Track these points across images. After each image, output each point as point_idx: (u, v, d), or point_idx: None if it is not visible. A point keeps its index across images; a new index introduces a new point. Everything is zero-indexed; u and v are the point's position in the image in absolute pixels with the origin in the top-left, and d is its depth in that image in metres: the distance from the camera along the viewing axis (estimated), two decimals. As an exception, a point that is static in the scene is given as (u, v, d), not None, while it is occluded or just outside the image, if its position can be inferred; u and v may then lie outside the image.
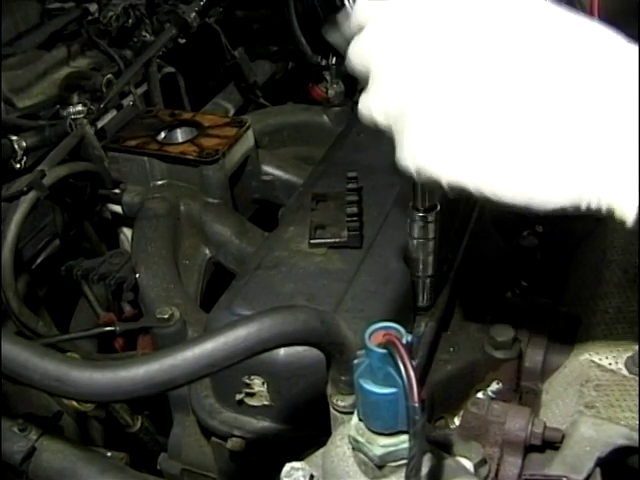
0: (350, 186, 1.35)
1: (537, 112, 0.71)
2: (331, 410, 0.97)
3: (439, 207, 1.13)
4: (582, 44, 0.72)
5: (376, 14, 0.82)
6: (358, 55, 0.83)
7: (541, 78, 0.71)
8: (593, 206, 0.70)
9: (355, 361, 0.81)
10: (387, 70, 0.79)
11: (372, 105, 0.81)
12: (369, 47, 0.82)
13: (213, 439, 1.24)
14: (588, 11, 1.88)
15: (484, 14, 0.75)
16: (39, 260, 1.82)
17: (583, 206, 0.71)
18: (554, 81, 0.71)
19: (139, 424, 1.52)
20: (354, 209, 1.29)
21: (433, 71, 0.75)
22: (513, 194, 0.73)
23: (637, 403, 1.01)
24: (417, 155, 0.77)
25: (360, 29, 0.84)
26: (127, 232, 1.79)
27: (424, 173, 0.77)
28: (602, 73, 0.70)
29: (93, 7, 2.00)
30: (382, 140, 0.84)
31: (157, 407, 1.52)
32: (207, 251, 1.68)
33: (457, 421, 1.17)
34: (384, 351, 0.77)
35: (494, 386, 1.17)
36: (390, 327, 0.79)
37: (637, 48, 0.72)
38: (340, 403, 0.94)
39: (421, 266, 1.20)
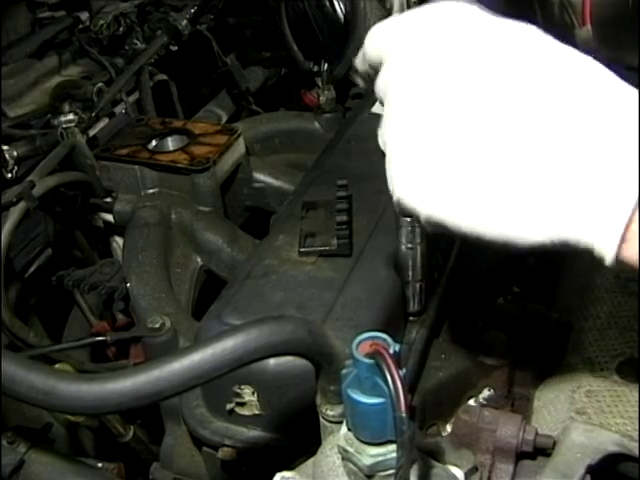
0: (340, 194, 1.35)
1: (517, 152, 0.70)
2: (321, 419, 0.96)
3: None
4: (568, 82, 0.72)
5: (390, 54, 0.83)
6: (377, 89, 0.85)
7: (522, 118, 0.71)
8: (572, 245, 0.70)
9: (343, 371, 0.81)
10: (389, 104, 0.80)
11: (380, 130, 0.83)
12: (381, 83, 0.83)
13: (204, 448, 1.24)
14: (580, 19, 1.89)
15: (485, 55, 0.75)
16: (32, 269, 1.81)
17: (562, 244, 0.70)
18: (535, 121, 0.70)
19: (131, 433, 1.51)
20: (344, 217, 1.29)
21: (422, 108, 0.76)
22: (491, 232, 0.72)
23: (628, 409, 1.00)
24: (396, 187, 0.78)
25: (377, 62, 0.85)
26: (119, 240, 1.79)
27: (404, 204, 0.78)
28: (585, 113, 0.70)
29: (84, 15, 2.01)
30: (372, 148, 0.84)
31: (149, 416, 1.52)
32: (198, 259, 1.68)
33: (449, 428, 1.17)
34: (371, 361, 0.77)
35: (486, 393, 1.17)
36: (377, 337, 0.79)
37: (626, 88, 0.72)
38: (329, 412, 0.94)
39: (411, 271, 1.20)
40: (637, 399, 1.01)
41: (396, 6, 1.07)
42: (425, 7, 0.83)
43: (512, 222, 0.71)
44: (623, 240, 0.66)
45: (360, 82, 0.94)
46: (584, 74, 0.73)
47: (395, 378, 0.74)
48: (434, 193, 0.75)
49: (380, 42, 0.85)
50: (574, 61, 0.74)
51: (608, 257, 0.68)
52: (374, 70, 0.87)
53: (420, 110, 0.76)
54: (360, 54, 0.90)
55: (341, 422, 0.87)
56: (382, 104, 0.84)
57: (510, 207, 0.71)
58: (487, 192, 0.71)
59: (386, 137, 0.80)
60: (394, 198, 0.79)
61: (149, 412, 1.43)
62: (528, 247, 0.72)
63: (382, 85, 0.83)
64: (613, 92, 0.71)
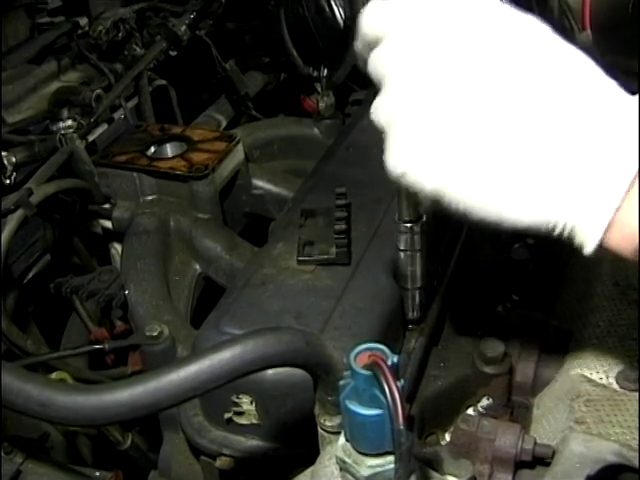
0: (339, 202, 1.34)
1: (515, 131, 0.73)
2: (319, 430, 0.96)
3: (425, 218, 1.13)
4: (565, 74, 0.75)
5: (389, 32, 0.82)
6: (373, 67, 0.85)
7: (523, 102, 0.73)
8: (557, 230, 0.73)
9: (341, 382, 0.81)
10: (391, 81, 0.80)
11: (375, 108, 0.82)
12: (381, 60, 0.83)
13: (202, 457, 1.23)
14: (580, 22, 1.89)
15: (484, 40, 0.77)
16: (30, 275, 1.81)
17: (549, 228, 0.73)
18: (533, 103, 0.73)
19: (129, 441, 1.51)
20: (342, 226, 1.29)
21: (427, 83, 0.77)
22: (486, 209, 0.75)
23: (627, 418, 1.00)
24: (402, 160, 0.78)
25: (374, 40, 0.85)
26: (118, 247, 1.79)
27: (407, 179, 0.78)
28: (579, 98, 0.72)
29: (83, 21, 2.01)
30: (371, 155, 0.84)
31: (148, 424, 1.51)
32: (197, 266, 1.68)
33: (448, 437, 1.17)
34: (369, 373, 0.76)
35: (484, 402, 1.16)
36: (375, 348, 0.79)
37: (614, 85, 0.75)
38: (327, 423, 0.94)
39: (410, 278, 1.19)
40: (636, 408, 1.01)
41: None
42: None
43: (505, 200, 0.74)
44: (609, 225, 0.70)
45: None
46: (579, 65, 0.75)
47: (393, 390, 0.74)
48: (436, 165, 0.76)
49: (378, 18, 0.84)
50: (569, 53, 0.77)
51: (589, 245, 0.71)
52: (370, 49, 0.85)
53: (424, 84, 0.77)
54: (357, 35, 0.88)
55: (339, 432, 0.86)
56: (377, 82, 0.84)
57: (505, 185, 0.73)
58: (485, 167, 0.74)
59: (388, 111, 0.79)
60: (397, 173, 0.79)
61: (147, 420, 1.43)
62: (519, 227, 0.74)
63: (380, 60, 0.82)
64: (605, 83, 0.74)
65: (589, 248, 0.72)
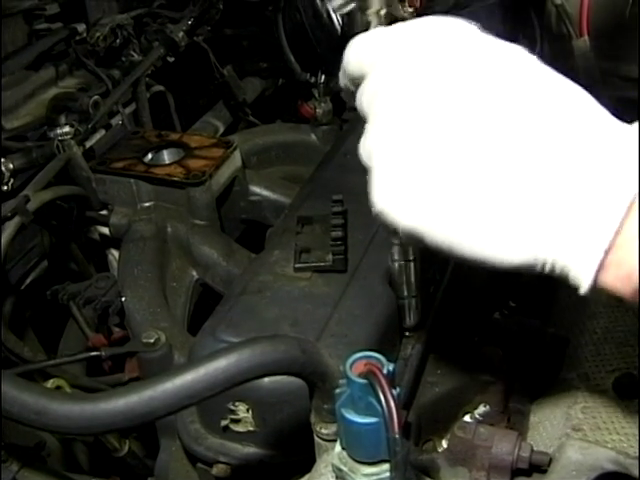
0: (335, 209, 1.34)
1: (498, 172, 0.69)
2: (315, 438, 0.96)
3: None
4: (551, 108, 0.71)
5: (372, 68, 0.81)
6: (359, 103, 0.83)
7: (504, 138, 0.70)
8: (547, 269, 0.69)
9: (337, 390, 0.81)
10: (373, 118, 0.79)
11: (361, 145, 0.81)
12: (365, 97, 0.82)
13: (199, 465, 1.23)
14: (577, 30, 1.89)
15: (468, 77, 0.75)
16: (27, 281, 1.81)
17: (538, 268, 0.70)
18: (517, 140, 0.70)
19: (126, 448, 1.51)
20: (339, 233, 1.29)
21: (407, 121, 0.75)
22: (467, 249, 0.71)
23: (624, 426, 1.00)
24: (378, 198, 0.76)
25: (359, 76, 0.84)
26: (115, 253, 1.79)
27: (384, 217, 0.77)
28: (565, 137, 0.69)
29: (81, 27, 2.00)
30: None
31: (145, 431, 1.51)
32: (194, 273, 1.68)
33: (445, 444, 1.17)
34: (365, 381, 0.76)
35: (481, 409, 1.16)
36: (371, 357, 0.79)
37: (606, 115, 0.71)
38: (324, 431, 0.94)
39: (405, 288, 1.19)
40: (633, 415, 1.01)
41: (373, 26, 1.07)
42: (412, 21, 0.82)
43: (488, 241, 0.70)
44: (602, 266, 0.65)
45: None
46: (566, 97, 0.72)
47: (388, 399, 0.74)
48: (414, 205, 0.73)
49: (363, 54, 0.83)
50: (557, 82, 0.74)
51: (585, 283, 0.67)
52: (354, 84, 0.85)
53: (405, 122, 0.75)
54: (341, 69, 0.88)
55: (335, 440, 0.86)
56: (364, 117, 0.83)
57: (487, 226, 0.70)
58: (465, 208, 0.71)
59: (370, 148, 0.78)
60: (376, 209, 0.77)
61: (144, 427, 1.43)
62: (505, 268, 0.71)
63: (365, 96, 0.81)
64: (595, 116, 0.71)
65: (583, 290, 0.68)
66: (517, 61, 0.75)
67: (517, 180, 0.69)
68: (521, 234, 0.69)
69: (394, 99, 0.77)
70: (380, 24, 1.06)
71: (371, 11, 1.07)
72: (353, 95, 0.86)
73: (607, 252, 0.65)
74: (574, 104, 0.72)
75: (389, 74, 0.78)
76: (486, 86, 0.73)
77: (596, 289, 0.68)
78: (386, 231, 0.82)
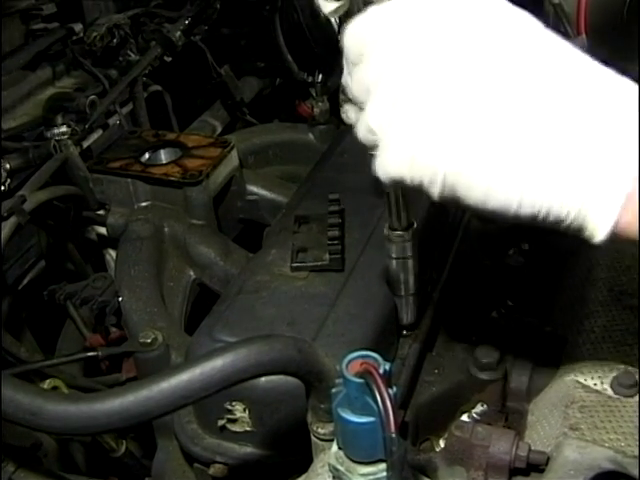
0: (332, 208, 1.34)
1: (521, 122, 0.72)
2: (312, 437, 0.96)
3: (415, 225, 1.12)
4: (567, 57, 0.74)
5: (374, 42, 0.81)
6: (359, 80, 0.83)
7: (523, 88, 0.72)
8: (567, 217, 0.71)
9: (333, 390, 0.80)
10: (387, 81, 0.79)
11: (367, 118, 0.81)
12: (371, 68, 0.81)
13: (196, 465, 1.23)
14: (575, 28, 1.89)
15: (485, 28, 0.76)
16: (25, 281, 1.81)
17: (559, 217, 0.72)
18: (536, 90, 0.72)
19: (123, 449, 1.50)
20: (336, 232, 1.29)
21: (430, 76, 0.75)
22: (497, 195, 0.73)
23: (622, 425, 1.00)
24: (411, 149, 0.76)
25: (358, 57, 0.84)
26: (113, 253, 1.79)
27: (416, 167, 0.76)
28: (582, 84, 0.72)
29: (77, 27, 2.00)
30: (365, 161, 0.84)
31: (142, 431, 1.51)
32: (192, 273, 1.68)
33: (442, 443, 1.17)
34: (361, 381, 0.76)
35: (479, 408, 1.16)
36: (368, 356, 0.79)
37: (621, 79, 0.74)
38: (320, 430, 0.94)
39: (402, 285, 1.19)
40: (631, 414, 1.01)
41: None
42: None
43: (511, 183, 0.72)
44: (622, 210, 0.68)
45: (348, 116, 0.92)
46: (574, 51, 0.75)
47: (385, 398, 0.74)
48: (449, 148, 0.74)
49: (361, 35, 0.83)
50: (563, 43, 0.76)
51: (600, 234, 0.70)
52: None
53: (423, 77, 0.75)
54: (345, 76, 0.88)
55: (332, 440, 0.86)
56: (361, 99, 0.83)
57: (511, 168, 0.72)
58: (488, 152, 0.72)
59: (386, 110, 0.78)
60: (405, 165, 0.77)
61: (141, 427, 1.42)
62: (525, 216, 0.73)
63: (372, 71, 0.81)
64: (607, 70, 0.74)
65: (598, 238, 0.70)
66: (526, 22, 0.77)
67: (538, 130, 0.71)
68: (547, 177, 0.71)
69: (409, 63, 0.77)
70: None
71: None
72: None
73: (629, 195, 0.68)
74: (584, 59, 0.74)
75: (392, 44, 0.78)
76: (503, 44, 0.75)
77: (611, 236, 0.70)
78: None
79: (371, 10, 0.83)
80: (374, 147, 0.81)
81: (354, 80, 0.83)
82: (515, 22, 0.77)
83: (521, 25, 0.77)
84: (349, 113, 0.89)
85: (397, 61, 0.78)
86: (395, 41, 0.78)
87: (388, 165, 0.78)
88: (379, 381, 0.74)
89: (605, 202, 0.69)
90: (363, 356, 0.79)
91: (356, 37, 0.83)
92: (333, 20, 2.12)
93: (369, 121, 0.80)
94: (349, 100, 0.87)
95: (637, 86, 0.72)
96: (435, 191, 0.76)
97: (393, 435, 0.73)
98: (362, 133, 0.82)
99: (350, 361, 0.79)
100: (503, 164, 0.72)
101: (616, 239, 0.71)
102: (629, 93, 0.72)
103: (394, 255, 1.15)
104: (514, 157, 0.72)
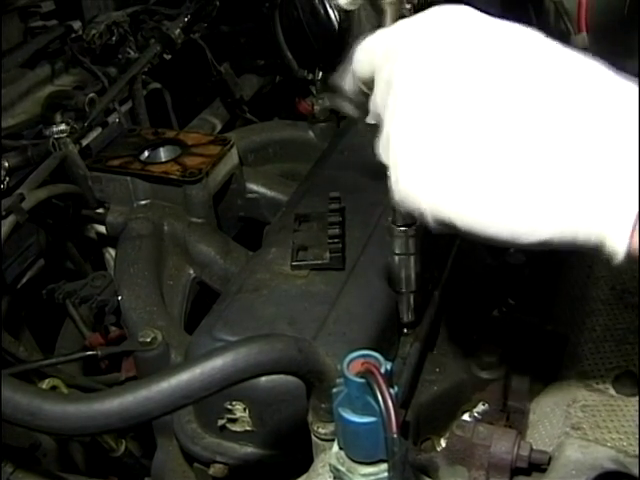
0: (332, 206, 1.34)
1: (524, 147, 0.70)
2: (312, 437, 0.95)
3: (418, 222, 1.12)
4: (572, 78, 0.72)
5: (389, 61, 0.82)
6: (374, 104, 0.85)
7: (528, 115, 0.71)
8: (582, 239, 0.70)
9: (334, 390, 0.80)
10: (391, 109, 0.80)
11: (379, 141, 0.82)
12: (381, 91, 0.83)
13: (196, 465, 1.22)
14: (576, 25, 1.88)
15: (490, 54, 0.76)
16: (24, 280, 1.80)
17: (571, 239, 0.70)
18: (541, 116, 0.70)
19: (123, 448, 1.50)
20: (336, 230, 1.28)
21: (431, 105, 0.76)
22: (498, 227, 0.72)
23: (624, 424, 0.99)
24: (406, 185, 0.77)
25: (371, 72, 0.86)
26: (112, 252, 1.78)
27: (407, 202, 0.77)
28: (589, 106, 0.70)
29: (76, 25, 1.99)
30: (366, 159, 0.84)
31: (142, 431, 1.50)
32: (191, 271, 1.67)
33: (444, 442, 1.16)
34: (362, 380, 0.76)
35: (480, 407, 1.16)
36: (369, 355, 0.78)
37: (625, 82, 0.72)
38: (321, 430, 0.93)
39: (404, 282, 1.19)
40: (632, 414, 1.00)
41: (389, 14, 1.07)
42: (418, 15, 0.82)
43: (519, 217, 0.71)
44: (634, 229, 0.66)
45: (347, 108, 0.93)
46: (586, 70, 0.73)
47: (386, 398, 0.73)
48: (444, 188, 0.74)
49: (373, 52, 0.85)
50: (575, 59, 0.75)
51: (620, 247, 0.67)
52: (367, 86, 0.87)
53: (429, 108, 0.75)
54: (348, 76, 0.89)
55: (333, 440, 0.86)
56: (378, 116, 0.84)
57: (518, 201, 0.71)
58: (495, 187, 0.71)
59: (393, 137, 0.78)
60: (400, 197, 0.78)
61: (141, 427, 1.42)
62: (535, 244, 0.72)
63: (380, 92, 0.82)
64: (615, 85, 0.72)
65: (620, 253, 0.68)
66: (530, 41, 0.76)
67: (543, 156, 0.69)
68: (550, 207, 0.70)
69: (411, 90, 0.77)
70: (393, 14, 1.06)
71: (385, 1, 1.06)
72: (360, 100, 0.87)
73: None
74: (596, 76, 0.73)
75: (403, 67, 0.79)
76: (506, 70, 0.74)
77: (631, 254, 0.68)
78: (404, 220, 0.82)
79: (383, 30, 0.85)
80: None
81: (371, 103, 0.86)
82: (524, 47, 0.76)
83: (524, 44, 0.76)
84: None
85: (392, 97, 0.79)
86: (391, 74, 0.80)
87: (391, 192, 0.80)
88: (380, 381, 0.74)
89: (616, 224, 0.67)
90: (364, 356, 0.78)
91: (360, 60, 0.87)
92: (333, 17, 2.12)
93: (377, 149, 0.82)
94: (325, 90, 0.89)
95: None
96: (430, 224, 0.77)
97: (394, 435, 0.73)
98: (379, 148, 0.83)
99: (351, 361, 0.78)
100: (496, 201, 0.71)
101: (634, 258, 0.69)
102: (630, 102, 0.70)
103: (397, 251, 1.15)
104: (509, 192, 0.71)
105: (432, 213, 0.76)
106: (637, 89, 0.71)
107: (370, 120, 0.87)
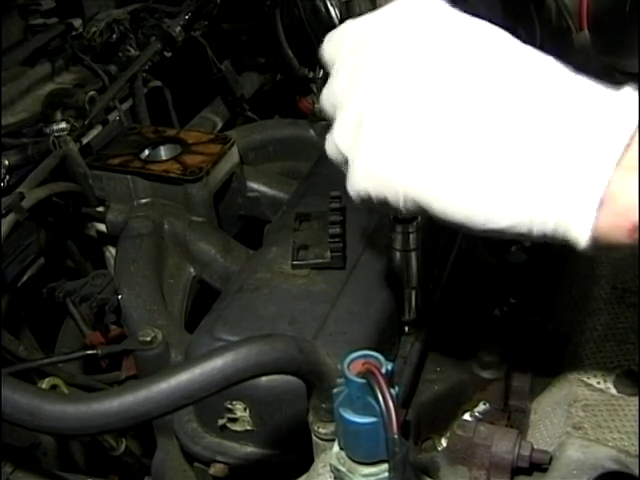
0: (333, 205, 1.33)
1: (488, 133, 0.72)
2: (313, 437, 0.95)
3: (419, 218, 1.12)
4: (532, 71, 0.74)
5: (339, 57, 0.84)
6: (327, 99, 0.86)
7: (493, 102, 0.72)
8: (539, 229, 0.71)
9: (335, 390, 0.80)
10: (348, 102, 0.80)
11: (334, 137, 0.83)
12: (343, 79, 0.83)
13: (196, 464, 1.22)
14: (577, 22, 1.88)
15: (458, 40, 0.77)
16: (25, 278, 1.80)
17: (531, 229, 0.71)
18: (505, 104, 0.72)
19: (123, 447, 1.50)
20: (337, 229, 1.28)
21: (391, 92, 0.77)
22: (464, 210, 0.73)
23: (625, 424, 0.99)
24: (376, 163, 0.77)
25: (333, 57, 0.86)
26: (112, 250, 1.78)
27: (381, 185, 0.77)
28: (550, 97, 0.71)
29: (77, 22, 2.00)
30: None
31: (142, 430, 1.50)
32: (192, 270, 1.67)
33: (444, 442, 1.16)
34: (363, 381, 0.76)
35: (481, 407, 1.16)
36: (369, 356, 0.78)
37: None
38: (322, 430, 0.93)
39: (405, 278, 1.19)
40: (634, 414, 1.00)
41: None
42: (395, 3, 0.83)
43: (482, 199, 0.72)
44: (600, 205, 0.67)
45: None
46: (543, 62, 0.75)
47: (387, 399, 0.73)
48: (420, 168, 0.74)
49: (342, 41, 0.85)
50: (533, 53, 0.76)
51: (583, 232, 0.68)
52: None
53: (404, 91, 0.76)
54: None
55: (333, 440, 0.86)
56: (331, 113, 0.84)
57: (481, 184, 0.72)
58: (461, 167, 0.72)
59: (369, 118, 0.78)
60: (372, 182, 0.78)
61: (141, 426, 1.42)
62: (489, 232, 0.73)
63: (342, 79, 0.82)
64: (567, 76, 0.74)
65: (583, 241, 0.69)
66: (497, 35, 0.78)
67: (507, 138, 0.71)
68: (514, 192, 0.70)
69: (385, 74, 0.77)
70: None
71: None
72: None
73: (602, 200, 0.67)
74: (550, 66, 0.75)
75: (376, 54, 0.79)
76: (472, 53, 0.75)
77: (594, 242, 0.69)
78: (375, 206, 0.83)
79: (345, 24, 0.86)
80: (343, 164, 0.83)
81: (323, 95, 0.86)
82: (480, 37, 0.77)
83: (487, 39, 0.77)
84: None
85: (362, 81, 0.79)
86: (360, 61, 0.80)
87: (354, 182, 0.80)
88: (381, 381, 0.73)
89: (578, 210, 0.68)
90: (365, 356, 0.78)
91: (328, 51, 0.87)
92: (334, 15, 2.12)
93: (336, 139, 0.82)
94: None
95: (598, 89, 0.72)
96: (401, 207, 0.78)
97: (395, 436, 0.72)
98: (330, 150, 0.83)
99: (352, 361, 0.78)
100: (461, 182, 0.72)
101: (601, 245, 0.70)
102: (593, 97, 0.71)
103: (398, 247, 1.14)
104: (473, 173, 0.72)
105: (406, 194, 0.76)
106: (587, 80, 0.73)
107: (325, 110, 0.87)
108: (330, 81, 0.84)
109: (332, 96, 0.84)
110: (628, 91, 0.71)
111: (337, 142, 0.82)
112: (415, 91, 0.75)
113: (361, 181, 0.79)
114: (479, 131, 0.71)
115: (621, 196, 0.67)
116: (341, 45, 0.84)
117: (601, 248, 0.70)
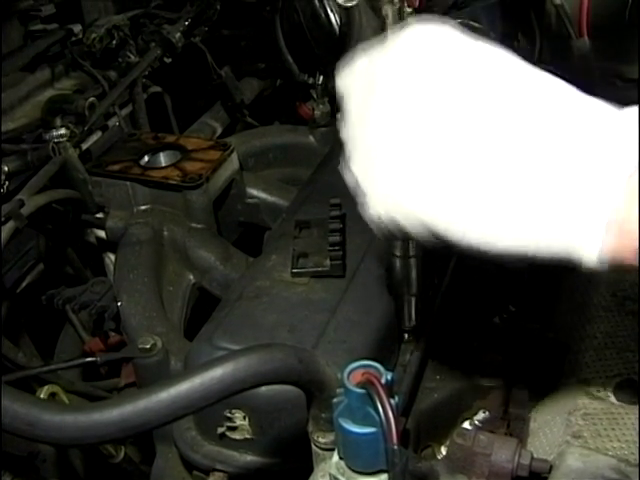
0: (333, 213, 1.33)
1: (497, 161, 0.71)
2: (312, 446, 0.95)
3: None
4: (544, 96, 0.73)
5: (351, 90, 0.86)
6: (343, 132, 0.88)
7: (501, 128, 0.72)
8: (550, 252, 0.71)
9: (334, 400, 0.80)
10: (362, 137, 0.82)
11: (350, 168, 0.85)
12: (355, 112, 0.85)
13: (195, 472, 1.22)
14: (577, 29, 1.88)
15: (458, 75, 0.76)
16: (24, 285, 1.80)
17: (538, 252, 0.72)
18: (514, 131, 0.71)
19: (122, 455, 1.49)
20: (337, 237, 1.28)
21: (409, 118, 0.76)
22: (476, 237, 0.73)
23: (625, 433, 0.99)
24: (391, 191, 0.77)
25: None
26: (112, 257, 1.77)
27: (389, 210, 0.78)
28: (561, 121, 0.71)
29: (77, 28, 2.00)
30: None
31: (141, 437, 1.50)
32: (191, 277, 1.67)
33: (444, 450, 1.16)
34: (363, 391, 0.76)
35: (481, 415, 1.16)
36: (369, 366, 0.78)
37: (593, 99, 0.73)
38: (321, 440, 0.93)
39: (405, 285, 1.18)
40: (634, 422, 1.00)
41: (390, 17, 1.07)
42: (402, 35, 0.82)
43: (492, 226, 0.72)
44: (607, 228, 0.67)
45: None
46: (555, 86, 0.74)
47: (387, 409, 0.73)
48: (428, 194, 0.75)
49: (346, 82, 0.87)
50: (544, 77, 0.76)
51: (592, 254, 0.68)
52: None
53: (408, 120, 0.76)
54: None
55: (333, 449, 0.86)
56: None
57: (491, 212, 0.71)
58: (473, 195, 0.72)
59: (381, 146, 0.79)
60: (382, 212, 0.79)
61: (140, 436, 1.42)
62: (514, 256, 0.73)
63: (354, 113, 0.84)
64: (580, 99, 0.73)
65: (591, 261, 0.69)
66: (508, 60, 0.77)
67: (518, 164, 0.70)
68: (524, 216, 0.70)
69: (389, 106, 0.78)
70: (394, 15, 1.06)
71: (386, 5, 1.06)
72: None
73: (609, 221, 0.66)
74: (563, 91, 0.74)
75: (381, 89, 0.80)
76: (481, 81, 0.75)
77: (602, 264, 0.69)
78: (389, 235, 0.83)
79: (357, 58, 0.86)
80: (361, 194, 0.83)
81: (340, 127, 0.88)
82: (492, 66, 0.77)
83: (498, 67, 0.76)
84: None
85: (371, 116, 0.80)
86: (371, 95, 0.80)
87: (370, 210, 0.81)
88: (381, 392, 0.74)
89: (586, 232, 0.68)
90: (365, 366, 0.78)
91: (341, 86, 0.89)
92: (334, 21, 2.12)
93: (353, 169, 0.84)
94: None
95: (605, 110, 0.71)
96: (416, 234, 0.78)
97: (395, 446, 0.72)
98: (348, 179, 0.85)
99: (352, 371, 0.78)
100: (473, 210, 0.72)
101: (613, 266, 0.69)
102: (611, 122, 0.70)
103: (398, 253, 1.14)
104: (484, 201, 0.72)
105: (422, 222, 0.76)
106: (600, 103, 0.72)
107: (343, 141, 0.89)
108: (344, 115, 0.86)
109: (346, 129, 0.86)
110: (634, 112, 0.70)
111: (353, 172, 0.84)
112: (424, 121, 0.75)
113: (375, 209, 0.80)
114: (490, 160, 0.71)
115: (628, 218, 0.66)
116: (353, 81, 0.86)
117: (608, 267, 0.70)
